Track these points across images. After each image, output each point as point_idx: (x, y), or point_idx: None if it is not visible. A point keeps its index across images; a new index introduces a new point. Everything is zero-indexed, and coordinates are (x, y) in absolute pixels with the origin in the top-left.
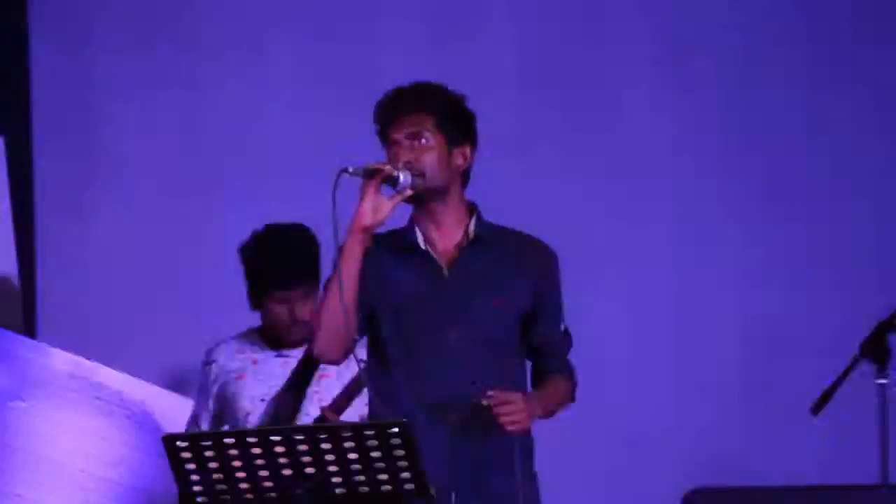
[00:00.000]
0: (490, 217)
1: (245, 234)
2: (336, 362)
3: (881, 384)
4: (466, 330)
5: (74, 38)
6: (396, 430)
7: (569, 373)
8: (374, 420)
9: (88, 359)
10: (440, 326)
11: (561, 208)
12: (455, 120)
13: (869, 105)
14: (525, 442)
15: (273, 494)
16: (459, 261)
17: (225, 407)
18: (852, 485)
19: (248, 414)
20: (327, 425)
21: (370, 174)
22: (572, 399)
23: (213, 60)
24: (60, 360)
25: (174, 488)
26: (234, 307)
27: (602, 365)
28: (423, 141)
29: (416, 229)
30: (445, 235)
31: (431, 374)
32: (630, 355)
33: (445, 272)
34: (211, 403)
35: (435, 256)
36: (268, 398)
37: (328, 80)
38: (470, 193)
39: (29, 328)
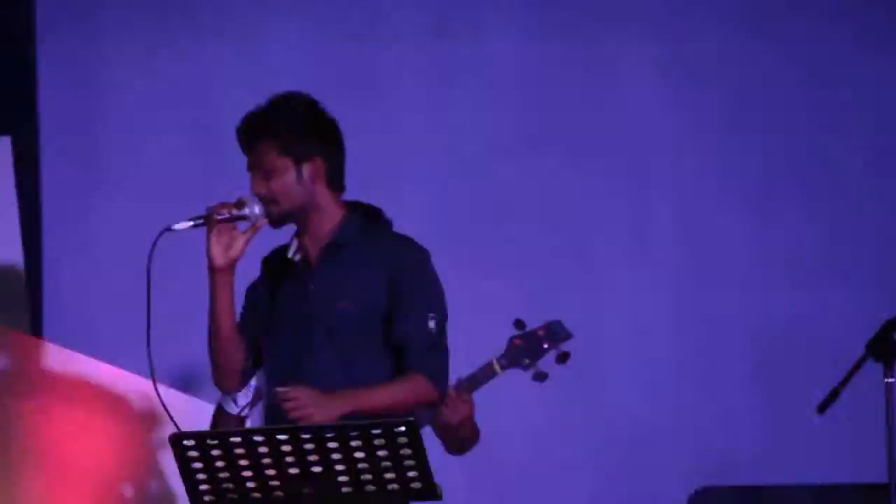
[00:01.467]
0: (495, 216)
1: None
2: (235, 391)
3: (888, 383)
4: (321, 334)
5: (81, 36)
6: (403, 429)
7: (426, 371)
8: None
9: (97, 359)
10: (301, 332)
11: (564, 206)
12: (298, 137)
13: (871, 103)
14: None
15: (280, 493)
16: (317, 267)
17: None
18: (859, 483)
19: None
20: (333, 424)
21: (203, 223)
22: (432, 397)
23: (221, 60)
24: (69, 360)
25: (182, 488)
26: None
27: (607, 362)
28: (269, 169)
29: (294, 241)
30: (316, 244)
31: (294, 376)
32: (636, 353)
33: (310, 280)
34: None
35: (302, 266)
36: None
37: (334, 75)
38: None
39: (36, 328)
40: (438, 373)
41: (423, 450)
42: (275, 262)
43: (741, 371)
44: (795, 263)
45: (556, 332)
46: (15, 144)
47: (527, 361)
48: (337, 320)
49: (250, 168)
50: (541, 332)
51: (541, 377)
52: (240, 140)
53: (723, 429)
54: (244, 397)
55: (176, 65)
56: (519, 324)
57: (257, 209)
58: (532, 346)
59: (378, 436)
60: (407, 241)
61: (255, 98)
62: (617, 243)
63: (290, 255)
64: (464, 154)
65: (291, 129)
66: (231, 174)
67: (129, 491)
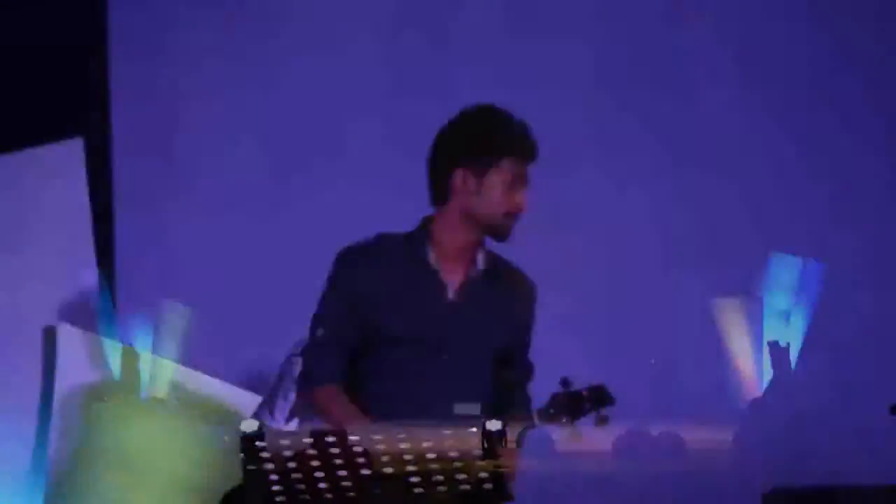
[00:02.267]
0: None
1: (317, 235)
2: None
3: None
4: (448, 364)
5: (152, 41)
6: (475, 430)
7: (525, 408)
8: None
9: (173, 360)
10: (433, 350)
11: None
12: None
13: None
14: None
15: (351, 493)
16: (468, 289)
17: None
18: None
19: None
20: (406, 424)
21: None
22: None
23: (289, 62)
24: (141, 360)
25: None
26: (312, 307)
27: (680, 360)
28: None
29: (428, 243)
30: (454, 258)
31: (414, 396)
32: (706, 350)
33: (451, 297)
34: None
35: (442, 277)
36: None
37: (406, 81)
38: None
39: (110, 330)
40: (530, 406)
41: (495, 451)
42: (398, 253)
43: (820, 371)
44: (874, 264)
45: (600, 396)
46: (87, 146)
47: (565, 420)
48: (467, 352)
49: (521, 184)
50: (584, 394)
51: (576, 437)
52: (528, 153)
53: (799, 429)
54: (282, 412)
55: (248, 67)
56: (565, 382)
57: None
58: (574, 406)
59: (450, 437)
60: (527, 281)
61: (330, 98)
62: (674, 260)
63: (431, 263)
64: None
65: None
66: (306, 177)
67: (204, 491)
